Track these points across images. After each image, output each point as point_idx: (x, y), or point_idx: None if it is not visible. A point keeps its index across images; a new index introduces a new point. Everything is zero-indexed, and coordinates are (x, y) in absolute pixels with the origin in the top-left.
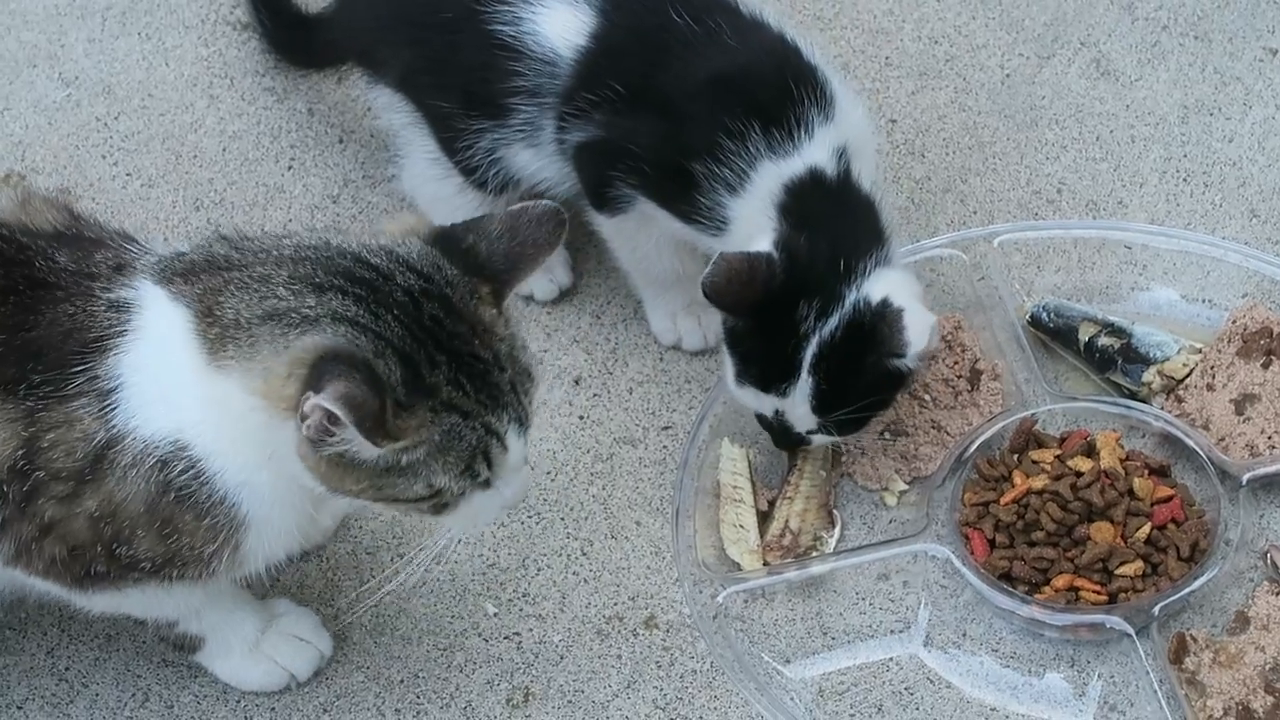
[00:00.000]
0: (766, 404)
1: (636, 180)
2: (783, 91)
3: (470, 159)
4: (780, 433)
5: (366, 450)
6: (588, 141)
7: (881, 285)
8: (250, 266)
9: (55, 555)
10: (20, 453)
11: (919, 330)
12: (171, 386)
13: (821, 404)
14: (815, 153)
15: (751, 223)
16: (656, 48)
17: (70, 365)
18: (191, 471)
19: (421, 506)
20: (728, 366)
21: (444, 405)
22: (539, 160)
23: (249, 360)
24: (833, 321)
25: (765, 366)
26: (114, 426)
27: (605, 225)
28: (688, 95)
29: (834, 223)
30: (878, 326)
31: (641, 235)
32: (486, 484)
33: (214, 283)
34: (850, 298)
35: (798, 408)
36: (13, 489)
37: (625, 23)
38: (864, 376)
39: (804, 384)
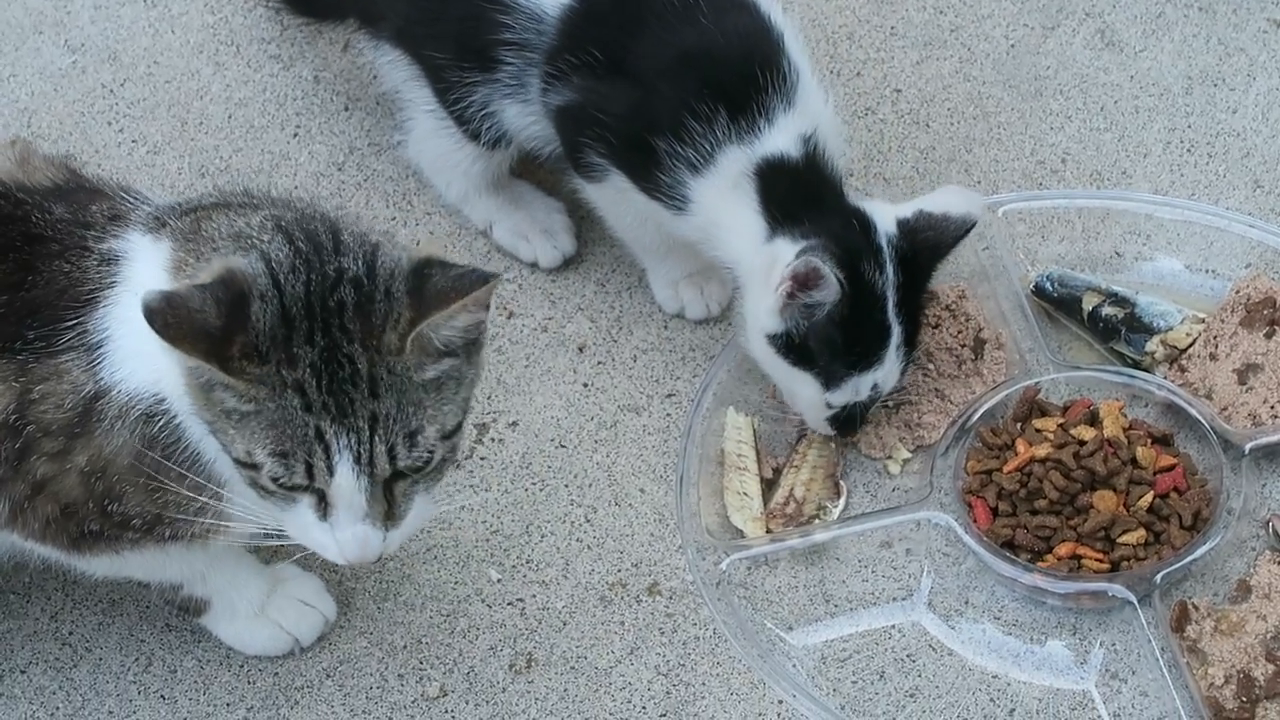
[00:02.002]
0: (865, 384)
1: (605, 149)
2: (746, 77)
3: (464, 111)
4: (856, 413)
5: (205, 373)
6: (565, 105)
7: (883, 215)
8: (244, 206)
9: (49, 515)
10: (12, 408)
11: (959, 202)
12: (150, 338)
13: (909, 343)
14: (779, 139)
15: (713, 204)
16: (635, 17)
17: (63, 320)
18: (171, 426)
19: (247, 477)
20: (805, 386)
21: (293, 383)
22: (528, 116)
23: (196, 270)
24: (889, 265)
25: (867, 342)
26: (101, 379)
27: (588, 191)
28: (657, 70)
29: (817, 199)
30: (929, 236)
31: (623, 204)
32: (311, 493)
33: (202, 213)
34: (883, 239)
35: (891, 363)
36: (5, 447)
37: None
38: (922, 293)
39: (895, 335)
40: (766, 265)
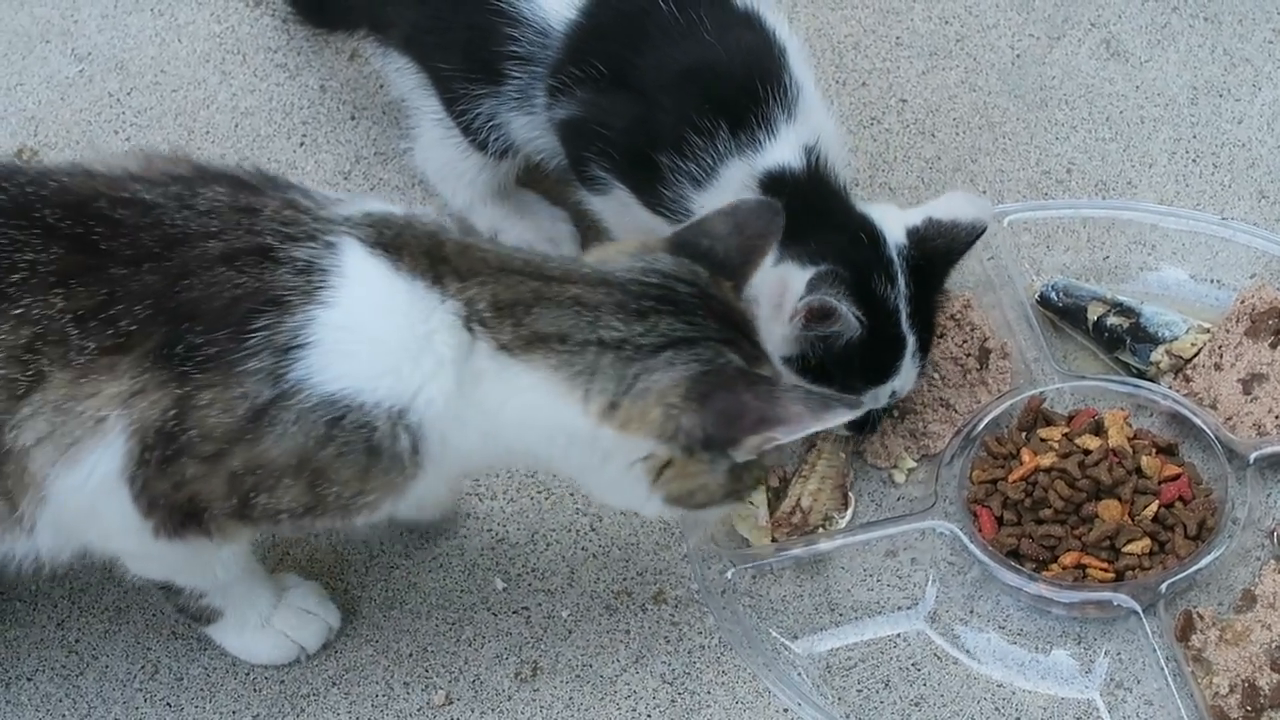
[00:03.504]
0: (884, 393)
1: (608, 164)
2: (748, 90)
3: (471, 121)
4: (876, 415)
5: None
6: (569, 118)
7: (892, 221)
8: (550, 282)
9: (177, 504)
10: (172, 413)
11: (966, 208)
12: (387, 349)
13: (924, 348)
14: (781, 151)
15: None
16: (639, 31)
17: (243, 325)
18: (376, 428)
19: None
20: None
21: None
22: (534, 129)
23: (584, 381)
24: (900, 277)
25: (882, 358)
26: (288, 383)
27: (593, 203)
28: (659, 86)
29: (825, 215)
30: (938, 244)
31: (627, 217)
32: None
33: (507, 289)
34: (893, 251)
35: (908, 370)
36: (157, 451)
37: (616, 1)
38: (934, 299)
39: (910, 345)
40: (775, 290)
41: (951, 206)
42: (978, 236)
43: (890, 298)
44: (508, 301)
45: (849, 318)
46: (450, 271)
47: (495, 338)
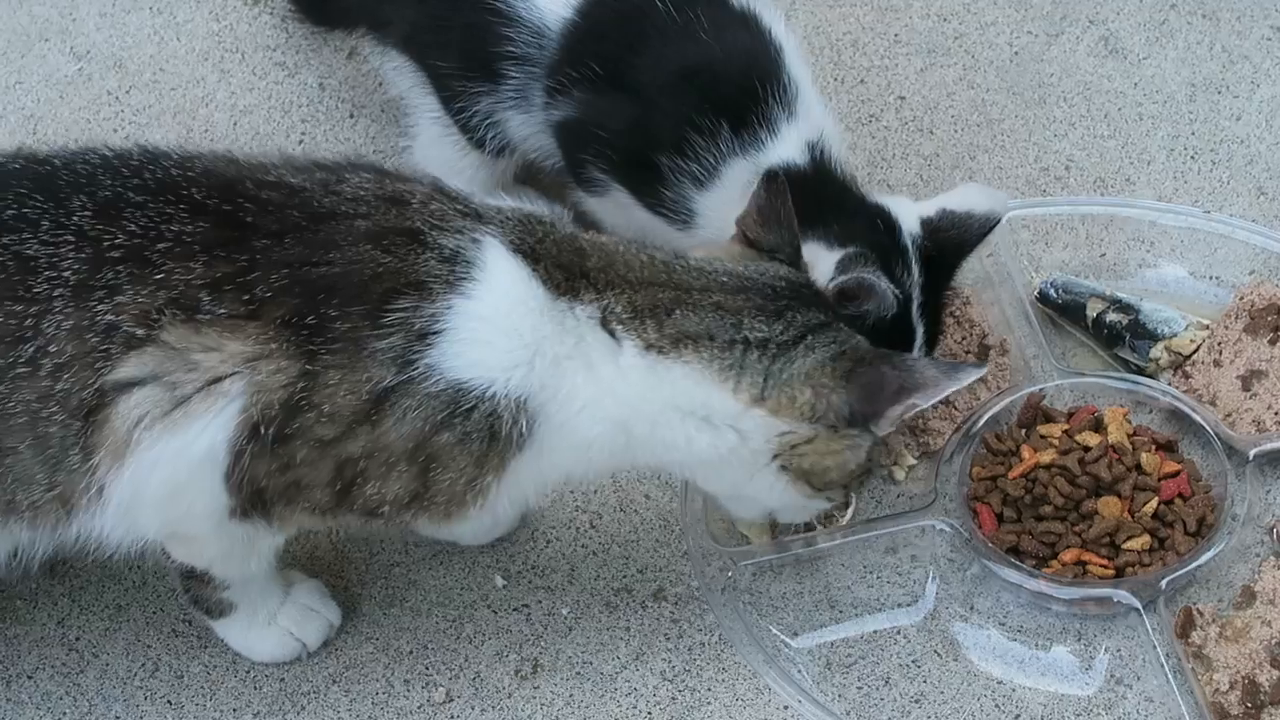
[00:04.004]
0: None
1: (606, 165)
2: (747, 90)
3: (469, 120)
4: None
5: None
6: (566, 120)
7: (906, 211)
8: (690, 291)
9: (270, 488)
10: (299, 386)
11: (981, 200)
12: (523, 342)
13: (930, 342)
14: (784, 148)
15: (721, 217)
16: (636, 31)
17: (383, 303)
18: (501, 417)
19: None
20: None
21: None
22: (531, 128)
23: (734, 375)
24: (914, 265)
25: (895, 342)
26: (416, 368)
27: (591, 203)
28: (658, 87)
29: (838, 204)
30: (952, 235)
31: (625, 217)
32: None
33: (645, 298)
34: (907, 240)
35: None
36: (272, 427)
37: (612, 1)
38: (944, 291)
39: (919, 335)
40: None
41: (966, 198)
42: (991, 228)
43: (905, 284)
44: (645, 307)
45: (887, 294)
46: (587, 281)
47: (641, 338)
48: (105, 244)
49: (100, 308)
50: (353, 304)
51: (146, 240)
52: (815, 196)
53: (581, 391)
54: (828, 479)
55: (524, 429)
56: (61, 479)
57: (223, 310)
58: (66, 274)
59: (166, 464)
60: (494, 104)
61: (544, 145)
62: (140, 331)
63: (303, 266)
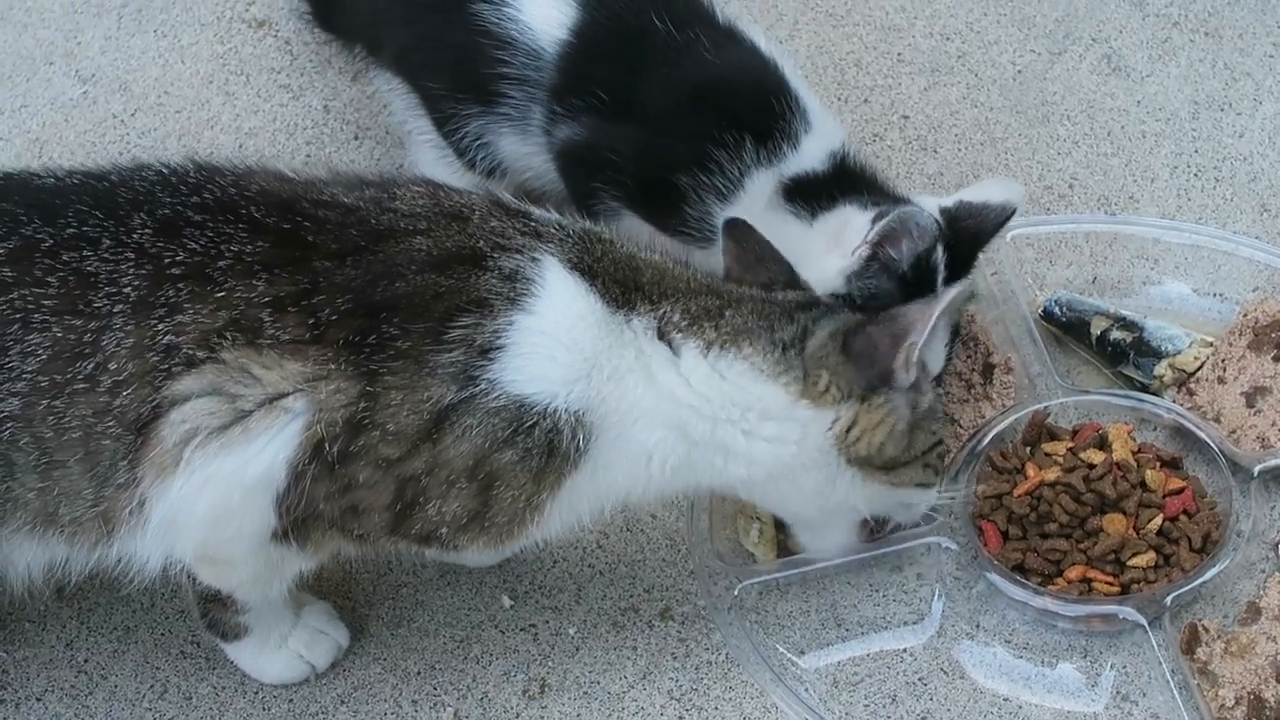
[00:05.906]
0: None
1: (620, 193)
2: (761, 103)
3: (460, 140)
4: None
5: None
6: (571, 145)
7: (927, 203)
8: (730, 299)
9: (327, 511)
10: (361, 406)
11: (997, 191)
12: (584, 356)
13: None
14: (805, 159)
15: None
16: (636, 53)
17: (446, 320)
18: (560, 431)
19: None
20: None
21: None
22: (526, 149)
23: (782, 370)
24: (938, 249)
25: None
26: (478, 384)
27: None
28: (670, 108)
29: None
30: (969, 224)
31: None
32: None
33: (697, 305)
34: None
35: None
36: (336, 447)
37: (606, 21)
38: (961, 278)
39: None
40: (834, 229)
41: (982, 190)
42: (1008, 218)
43: (931, 262)
44: (700, 311)
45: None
46: (641, 294)
47: (701, 338)
48: (166, 261)
49: (160, 326)
50: (414, 322)
51: (207, 258)
52: (848, 180)
53: (641, 402)
54: (887, 455)
55: (581, 443)
56: (108, 494)
57: (286, 335)
58: (127, 290)
59: (220, 483)
60: (485, 125)
61: (537, 167)
62: (201, 354)
63: (365, 291)
